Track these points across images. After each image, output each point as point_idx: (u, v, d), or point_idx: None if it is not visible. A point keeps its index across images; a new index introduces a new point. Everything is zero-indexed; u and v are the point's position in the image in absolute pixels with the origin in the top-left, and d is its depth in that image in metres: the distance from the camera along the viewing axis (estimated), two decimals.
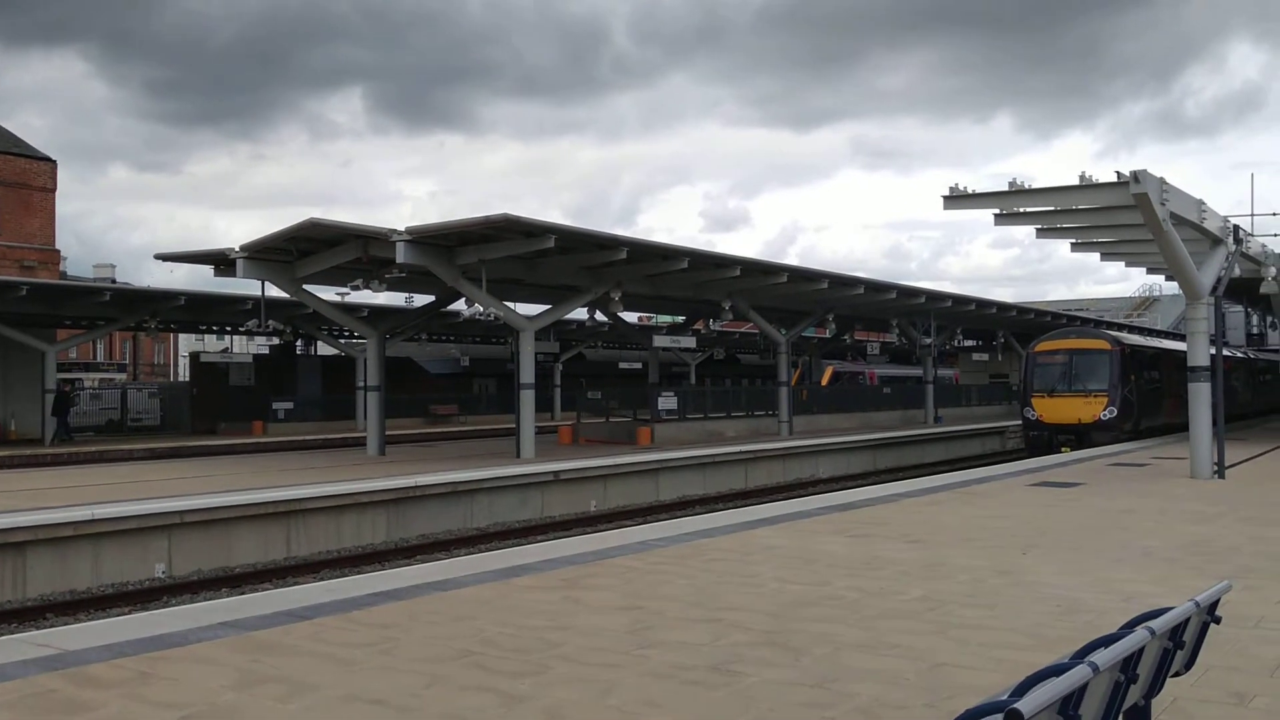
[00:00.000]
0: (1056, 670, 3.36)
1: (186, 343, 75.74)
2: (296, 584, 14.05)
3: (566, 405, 47.14)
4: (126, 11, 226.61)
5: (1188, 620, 4.32)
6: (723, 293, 30.58)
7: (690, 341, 37.73)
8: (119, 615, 12.00)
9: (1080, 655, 3.64)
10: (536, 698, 5.85)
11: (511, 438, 26.22)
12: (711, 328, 41.04)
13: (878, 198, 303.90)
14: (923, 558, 10.59)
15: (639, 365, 47.81)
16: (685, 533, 12.63)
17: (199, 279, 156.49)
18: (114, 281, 55.89)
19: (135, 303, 35.20)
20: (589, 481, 23.36)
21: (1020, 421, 31.70)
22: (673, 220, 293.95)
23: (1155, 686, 4.29)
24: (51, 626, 11.75)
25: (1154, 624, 3.95)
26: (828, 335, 44.67)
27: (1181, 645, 4.36)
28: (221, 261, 25.39)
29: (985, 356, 49.33)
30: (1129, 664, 3.74)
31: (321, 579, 14.36)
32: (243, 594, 12.38)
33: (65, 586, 14.59)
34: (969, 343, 51.84)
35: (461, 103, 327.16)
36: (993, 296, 50.35)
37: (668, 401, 31.98)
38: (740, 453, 28.11)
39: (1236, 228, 20.62)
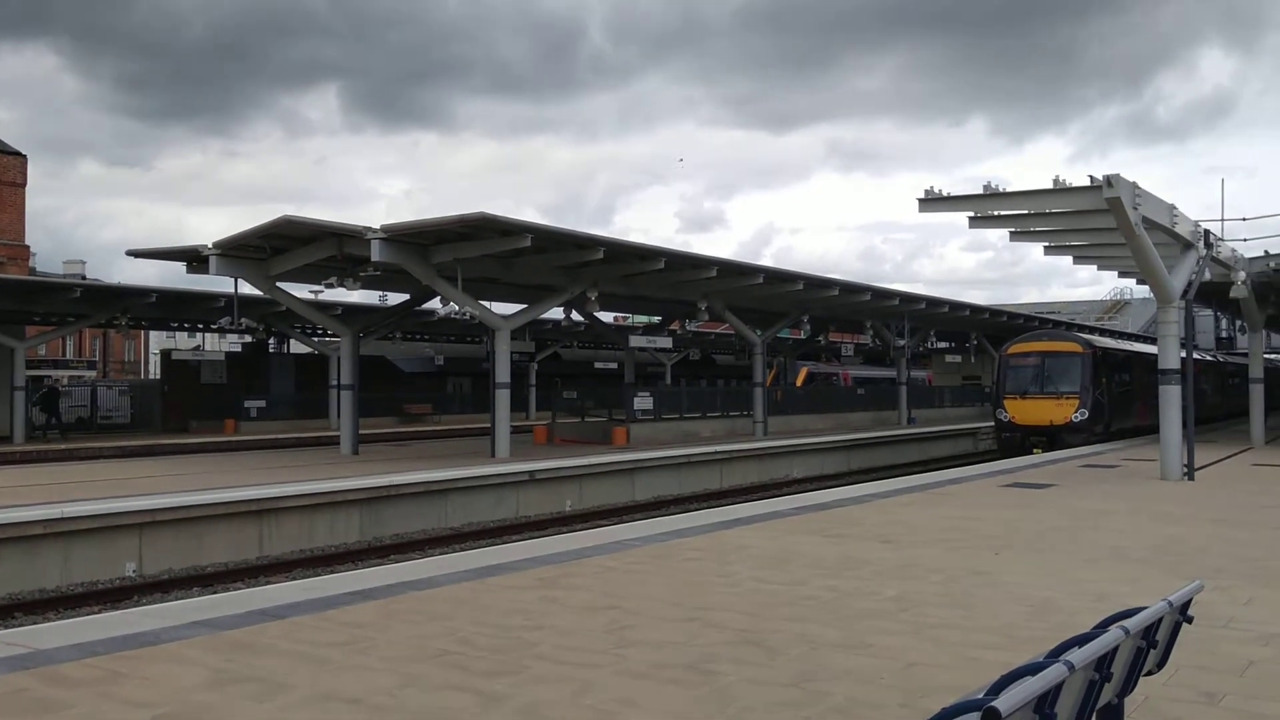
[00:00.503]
0: (1032, 669, 3.38)
1: (158, 340, 75.15)
2: (269, 583, 13.97)
3: (542, 405, 47.13)
4: (99, 5, 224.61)
5: (1161, 620, 4.36)
6: (699, 293, 30.63)
7: (666, 342, 37.76)
8: (90, 614, 11.88)
9: (1055, 654, 3.67)
10: (513, 697, 5.85)
11: (486, 437, 26.15)
12: (687, 328, 41.11)
13: (853, 200, 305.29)
14: (897, 558, 10.65)
15: (615, 365, 47.89)
16: (661, 533, 12.65)
17: (171, 276, 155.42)
18: (84, 278, 55.33)
19: (106, 299, 34.88)
20: (565, 481, 23.33)
21: (993, 423, 31.92)
22: (648, 220, 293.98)
23: (1128, 685, 4.33)
24: (21, 625, 11.63)
25: (1128, 623, 3.99)
26: (803, 336, 44.90)
27: (1154, 644, 4.40)
28: (194, 258, 25.19)
29: (958, 358, 49.70)
30: (1103, 663, 3.77)
31: (295, 578, 14.28)
32: (215, 593, 12.30)
33: (34, 585, 14.44)
34: (942, 344, 52.23)
35: (436, 100, 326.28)
36: (966, 299, 50.73)
37: (643, 402, 31.99)
38: (716, 453, 28.16)
39: (1207, 232, 20.85)
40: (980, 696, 3.23)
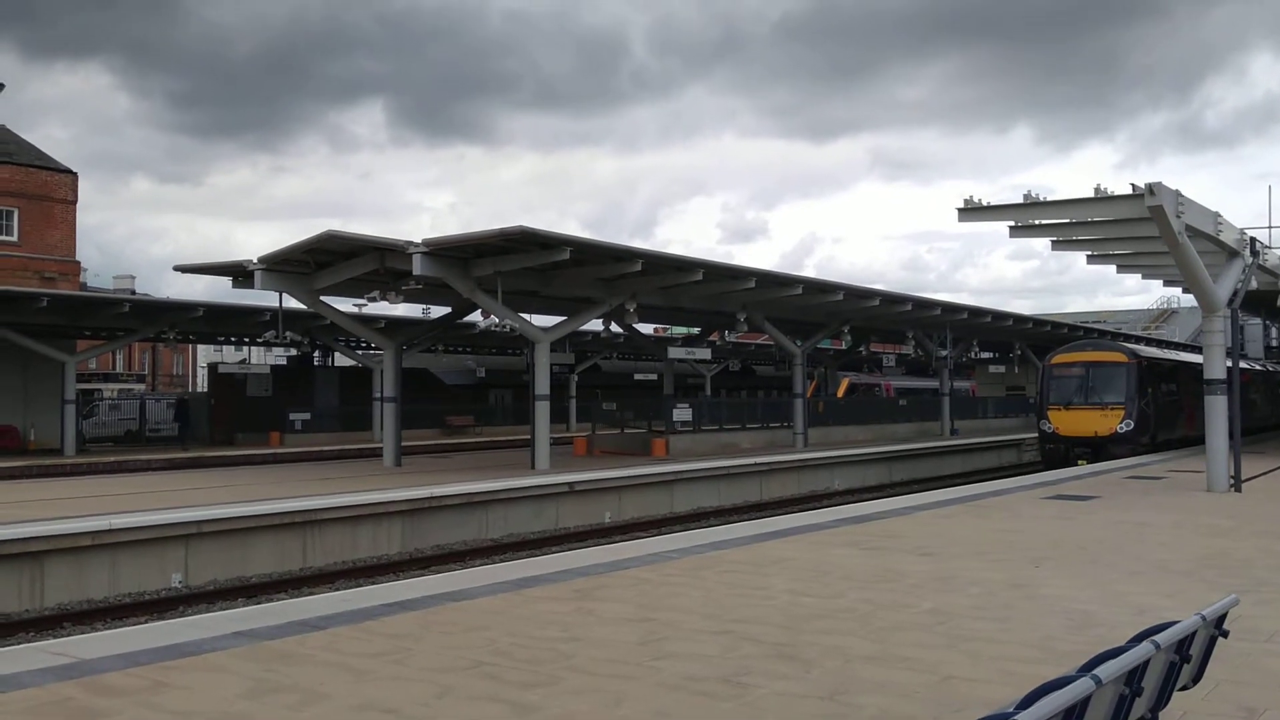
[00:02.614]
0: (1061, 683, 3.38)
1: (205, 354, 76.22)
2: (311, 594, 14.12)
3: (582, 416, 47.16)
4: (150, 24, 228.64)
5: (1194, 634, 4.33)
6: (738, 304, 30.61)
7: (705, 353, 37.74)
8: (135, 624, 12.08)
9: (1087, 668, 3.65)
10: (547, 708, 5.89)
11: (527, 449, 26.29)
12: (727, 339, 41.02)
13: (896, 209, 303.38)
14: (935, 570, 10.58)
15: (654, 377, 47.82)
16: (699, 544, 12.66)
17: (218, 290, 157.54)
18: (134, 293, 56.27)
19: (154, 314, 35.49)
20: (604, 493, 23.39)
21: (1036, 434, 31.59)
22: (690, 232, 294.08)
23: (1161, 700, 4.29)
24: (68, 636, 11.87)
25: (1159, 637, 3.97)
26: (844, 347, 44.63)
27: (1188, 659, 4.37)
28: (240, 273, 25.58)
29: (1002, 369, 49.15)
30: (1133, 677, 3.75)
31: (337, 589, 14.44)
32: (258, 604, 12.46)
33: (82, 596, 14.70)
34: (985, 355, 51.70)
35: (481, 114, 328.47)
36: (1010, 308, 50.31)
37: (683, 413, 31.98)
38: (755, 465, 28.09)
39: (1253, 240, 20.55)
40: (1010, 710, 3.23)
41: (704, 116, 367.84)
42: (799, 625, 8.03)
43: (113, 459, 31.78)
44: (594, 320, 30.28)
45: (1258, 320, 48.39)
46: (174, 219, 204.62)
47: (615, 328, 35.23)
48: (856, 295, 31.96)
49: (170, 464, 31.02)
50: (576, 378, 50.84)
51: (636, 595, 9.36)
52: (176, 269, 26.76)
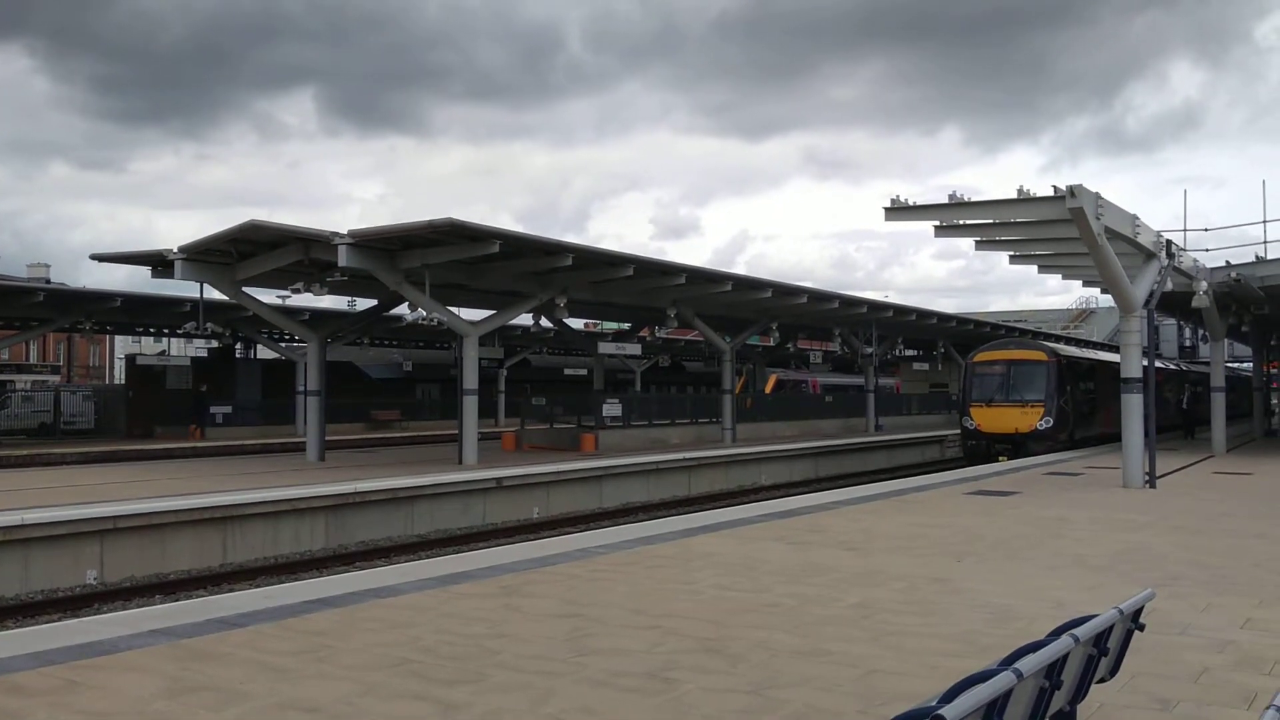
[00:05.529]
0: (983, 676, 3.42)
1: (123, 345, 74.34)
2: (232, 591, 13.85)
3: (510, 411, 47.00)
4: (75, 7, 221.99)
5: (1112, 627, 4.42)
6: (668, 300, 30.68)
7: (635, 348, 37.78)
8: (48, 623, 11.74)
9: (1008, 662, 3.71)
10: (473, 705, 5.83)
11: (454, 444, 26.07)
12: (657, 335, 41.23)
13: (827, 208, 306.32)
14: (861, 565, 10.70)
15: (584, 372, 47.85)
16: (627, 540, 12.66)
17: (137, 280, 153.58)
18: (48, 281, 54.68)
19: (70, 303, 34.52)
20: (532, 488, 23.28)
21: (959, 431, 32.14)
22: (623, 227, 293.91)
23: (1080, 692, 4.38)
24: None
25: (1078, 631, 4.04)
26: (772, 344, 45.00)
27: (1106, 652, 4.46)
28: (159, 263, 24.97)
29: (926, 366, 49.99)
30: (1053, 670, 3.82)
31: (258, 586, 14.19)
32: (177, 601, 12.20)
33: None
34: (910, 352, 52.58)
35: (414, 106, 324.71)
36: (936, 307, 51.08)
37: (612, 408, 31.98)
38: (684, 460, 28.18)
39: (1169, 242, 21.09)
40: (933, 704, 3.26)
41: (639, 112, 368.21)
42: (726, 620, 8.06)
43: (26, 452, 30.86)
44: (524, 315, 30.12)
45: (1172, 321, 49.79)
46: (94, 206, 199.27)
47: (545, 322, 35.08)
48: (785, 292, 32.22)
49: (85, 458, 30.20)
50: (506, 372, 50.58)
51: (564, 591, 9.33)
52: (94, 258, 26.11)
